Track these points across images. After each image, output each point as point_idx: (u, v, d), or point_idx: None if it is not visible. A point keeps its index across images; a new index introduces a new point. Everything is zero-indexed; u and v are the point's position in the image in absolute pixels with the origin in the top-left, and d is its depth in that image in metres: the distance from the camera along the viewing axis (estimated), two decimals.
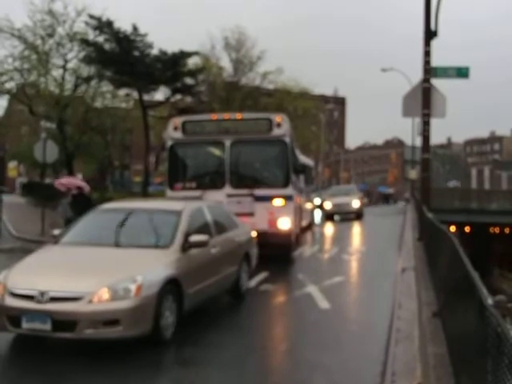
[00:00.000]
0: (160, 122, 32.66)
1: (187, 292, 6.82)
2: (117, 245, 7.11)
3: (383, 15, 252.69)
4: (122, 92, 30.89)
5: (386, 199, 65.41)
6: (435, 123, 16.52)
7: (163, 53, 28.66)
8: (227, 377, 5.68)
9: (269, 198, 12.44)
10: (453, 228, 29.21)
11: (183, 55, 29.21)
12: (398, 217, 28.39)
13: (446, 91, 14.49)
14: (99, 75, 28.34)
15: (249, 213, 12.19)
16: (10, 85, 28.53)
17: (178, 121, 13.16)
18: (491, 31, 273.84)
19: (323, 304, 8.65)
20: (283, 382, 5.74)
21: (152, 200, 13.18)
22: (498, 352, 2.83)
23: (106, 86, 30.15)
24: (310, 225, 21.90)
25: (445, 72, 14.66)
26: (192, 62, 32.08)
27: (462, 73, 14.67)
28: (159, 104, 33.72)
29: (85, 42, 27.41)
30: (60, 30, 27.41)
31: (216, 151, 13.00)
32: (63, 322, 5.80)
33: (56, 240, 7.62)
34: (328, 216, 27.72)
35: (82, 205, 13.73)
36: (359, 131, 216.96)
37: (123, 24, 28.62)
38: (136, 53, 28.13)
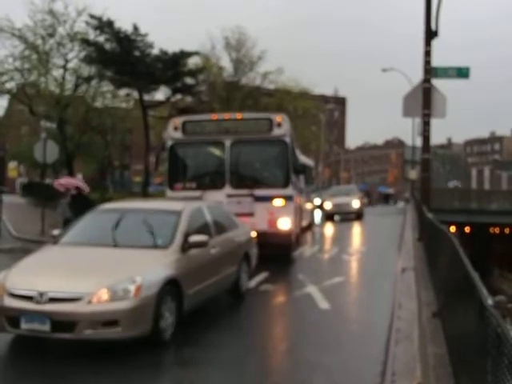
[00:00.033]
0: (160, 121, 32.66)
1: (187, 292, 6.80)
2: (116, 245, 7.09)
3: (383, 15, 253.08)
4: (123, 92, 30.92)
5: (386, 199, 65.50)
6: (435, 123, 16.59)
7: (164, 53, 28.66)
8: (227, 377, 5.68)
9: (269, 198, 12.43)
10: (453, 228, 29.19)
11: (183, 55, 29.21)
12: (398, 217, 28.37)
13: (446, 91, 14.50)
14: (100, 75, 28.35)
15: (249, 213, 12.18)
16: (10, 85, 28.57)
17: (178, 121, 13.15)
18: (491, 31, 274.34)
19: (323, 304, 8.65)
20: (283, 382, 5.74)
21: (152, 200, 13.18)
22: (497, 352, 2.82)
23: (107, 86, 30.17)
24: (310, 225, 21.89)
25: (445, 72, 14.66)
26: (192, 62, 32.12)
27: (462, 73, 14.67)
28: (159, 104, 33.73)
29: (85, 41, 27.42)
30: (60, 30, 27.45)
31: (216, 151, 12.99)
32: (62, 323, 5.79)
33: (55, 240, 7.61)
34: (328, 216, 27.69)
35: (80, 205, 13.76)
36: (359, 131, 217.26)
37: (124, 24, 28.81)
38: (136, 53, 28.13)
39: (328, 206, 28.02)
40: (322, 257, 14.61)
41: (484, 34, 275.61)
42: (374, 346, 6.57)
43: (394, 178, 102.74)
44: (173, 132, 12.91)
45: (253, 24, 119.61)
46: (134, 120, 35.52)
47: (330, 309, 8.45)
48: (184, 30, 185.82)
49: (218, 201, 10.97)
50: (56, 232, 7.97)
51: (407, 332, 6.71)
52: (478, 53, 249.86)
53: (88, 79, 28.75)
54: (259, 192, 12.45)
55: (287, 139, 12.70)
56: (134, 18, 78.81)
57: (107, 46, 27.84)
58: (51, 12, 26.84)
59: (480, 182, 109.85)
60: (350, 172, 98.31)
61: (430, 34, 14.30)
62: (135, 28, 27.83)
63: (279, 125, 12.56)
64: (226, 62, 37.64)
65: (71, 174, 28.09)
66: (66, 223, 12.53)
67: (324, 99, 63.37)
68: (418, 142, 30.48)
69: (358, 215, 27.88)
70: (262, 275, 10.76)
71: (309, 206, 21.61)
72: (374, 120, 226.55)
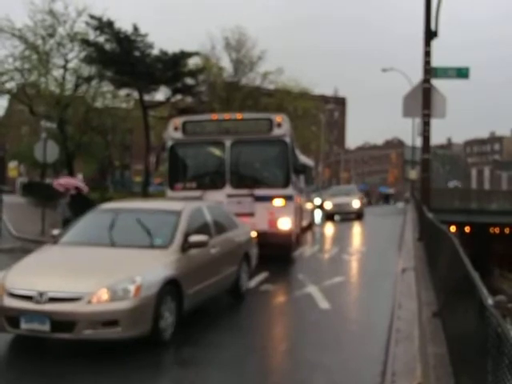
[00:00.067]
0: (160, 122, 32.65)
1: (187, 292, 6.80)
2: (116, 245, 7.10)
3: (383, 15, 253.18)
4: (123, 92, 30.93)
5: (387, 199, 65.54)
6: (435, 123, 16.55)
7: (164, 53, 28.65)
8: (227, 377, 5.67)
9: (269, 198, 12.43)
10: (453, 228, 29.22)
11: (183, 55, 29.21)
12: (398, 217, 28.38)
13: (446, 91, 14.51)
14: (100, 75, 28.35)
15: (249, 213, 12.18)
16: (10, 85, 28.55)
17: (178, 121, 13.15)
18: (491, 31, 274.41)
19: (323, 304, 8.65)
20: (283, 382, 5.73)
21: (152, 200, 13.18)
22: (498, 352, 2.82)
23: (107, 86, 30.16)
24: (311, 225, 21.89)
25: (445, 72, 14.66)
26: (192, 62, 32.12)
27: (462, 73, 14.67)
28: (160, 104, 33.73)
29: (85, 42, 27.42)
30: (61, 30, 27.43)
31: (216, 151, 12.99)
32: (62, 323, 5.78)
33: (55, 240, 7.61)
34: (328, 216, 27.70)
35: (80, 205, 13.78)
36: (359, 131, 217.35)
37: (124, 24, 28.86)
38: (136, 53, 28.13)
39: (328, 205, 28.03)
40: (322, 257, 14.61)
41: (484, 33, 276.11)
42: (374, 345, 6.57)
43: (394, 178, 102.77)
44: (173, 132, 12.92)
45: (253, 24, 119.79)
46: (134, 120, 35.55)
47: (330, 309, 8.44)
48: (184, 30, 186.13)
49: (219, 201, 10.97)
50: (56, 232, 7.96)
51: (407, 332, 6.71)
52: (478, 53, 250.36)
53: (88, 79, 28.74)
54: (259, 192, 12.45)
55: (287, 139, 12.69)
56: (134, 18, 78.97)
57: (107, 46, 27.83)
58: (51, 12, 26.84)
59: (480, 182, 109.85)
60: (350, 172, 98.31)
61: (430, 34, 14.30)
62: (135, 28, 27.84)
63: (279, 125, 12.56)
64: (225, 63, 37.70)
65: (71, 173, 28.09)
66: (66, 223, 12.54)
67: (324, 99, 63.35)
68: (418, 142, 30.44)
69: (358, 215, 27.89)
70: (262, 275, 10.76)
71: (309, 205, 21.61)
72: (374, 120, 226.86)
